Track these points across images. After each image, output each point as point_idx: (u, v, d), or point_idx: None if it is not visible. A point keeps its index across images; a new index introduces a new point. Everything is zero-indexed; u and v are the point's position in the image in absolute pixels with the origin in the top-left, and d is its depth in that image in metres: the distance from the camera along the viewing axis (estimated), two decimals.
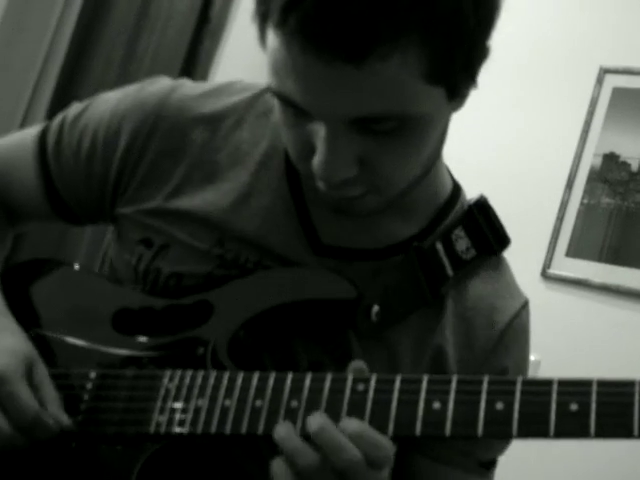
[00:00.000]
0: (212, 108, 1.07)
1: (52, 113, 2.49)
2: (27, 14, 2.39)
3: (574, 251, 2.66)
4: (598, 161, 2.67)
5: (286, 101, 0.86)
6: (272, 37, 0.82)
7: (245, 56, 3.03)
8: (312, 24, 0.77)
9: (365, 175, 0.89)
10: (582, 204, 2.68)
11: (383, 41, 0.77)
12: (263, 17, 0.83)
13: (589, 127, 2.70)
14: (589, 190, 2.67)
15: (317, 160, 0.86)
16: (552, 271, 2.68)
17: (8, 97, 2.41)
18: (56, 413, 0.95)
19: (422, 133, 0.88)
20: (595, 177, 2.67)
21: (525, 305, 1.04)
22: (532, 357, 2.39)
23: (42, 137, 1.15)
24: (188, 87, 1.09)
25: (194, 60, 2.83)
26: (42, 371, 0.98)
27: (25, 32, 2.38)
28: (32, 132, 1.17)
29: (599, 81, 2.71)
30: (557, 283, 2.67)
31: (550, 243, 2.69)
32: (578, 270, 2.64)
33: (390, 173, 0.90)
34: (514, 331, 1.01)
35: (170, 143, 1.06)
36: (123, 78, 2.63)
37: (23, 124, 2.45)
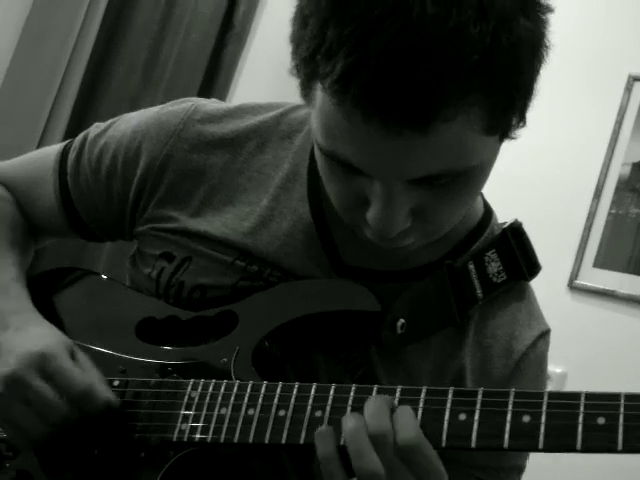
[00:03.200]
0: (234, 130, 1.06)
1: (75, 117, 2.50)
2: (51, 18, 2.40)
3: (602, 262, 2.62)
4: (627, 170, 2.63)
5: (337, 160, 0.84)
6: (324, 101, 0.80)
7: (269, 61, 3.04)
8: (375, 94, 0.75)
9: (418, 224, 0.88)
10: (610, 214, 2.64)
11: (448, 104, 0.76)
12: (309, 77, 0.81)
13: (617, 136, 2.67)
14: (617, 200, 2.64)
15: (373, 216, 0.85)
16: (579, 282, 2.65)
17: (32, 101, 2.42)
18: (104, 389, 0.97)
19: (476, 179, 0.88)
20: (623, 187, 2.63)
21: (543, 335, 1.03)
22: (558, 369, 2.37)
23: (63, 155, 1.16)
24: (210, 108, 1.09)
25: (218, 65, 2.83)
26: (84, 356, 1.00)
27: (49, 37, 2.40)
28: (55, 149, 1.18)
29: (628, 89, 2.68)
30: (584, 294, 2.64)
31: (577, 254, 2.66)
32: (605, 281, 2.60)
33: (444, 220, 0.90)
34: (529, 361, 1.01)
35: (190, 165, 1.06)
36: (146, 83, 2.64)
37: (46, 128, 2.46)
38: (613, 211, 2.64)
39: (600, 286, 2.61)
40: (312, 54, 0.78)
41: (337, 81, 0.76)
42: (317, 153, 0.89)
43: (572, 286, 2.66)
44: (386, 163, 0.81)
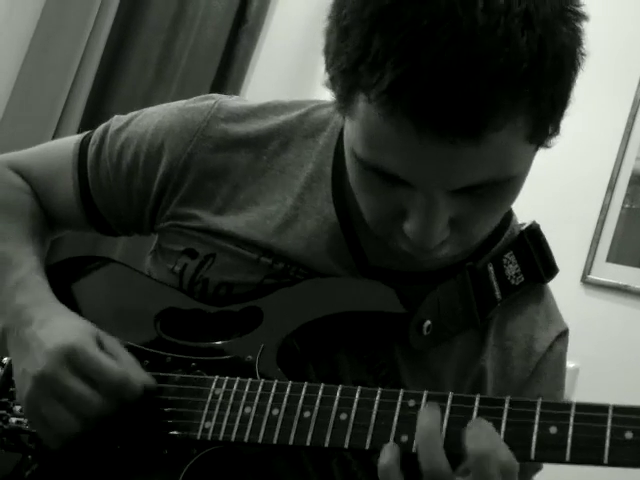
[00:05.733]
0: (257, 129, 1.06)
1: (89, 112, 2.51)
2: (64, 15, 2.40)
3: (615, 256, 2.61)
4: None
5: (379, 172, 0.84)
6: (369, 112, 0.80)
7: (282, 56, 3.04)
8: (428, 104, 0.75)
9: (455, 234, 0.88)
10: (623, 208, 2.63)
11: (498, 113, 0.76)
12: (350, 88, 0.80)
13: (631, 129, 2.65)
14: (631, 194, 2.62)
15: (412, 227, 0.85)
16: (592, 277, 2.64)
17: (46, 97, 2.43)
18: (139, 373, 0.96)
19: (514, 188, 0.88)
20: (637, 180, 2.62)
21: (561, 335, 1.04)
22: (571, 364, 2.35)
23: (82, 147, 1.15)
24: (234, 106, 1.08)
25: (231, 60, 2.83)
26: (112, 341, 0.99)
27: (62, 32, 2.40)
28: (73, 140, 1.17)
29: None
30: (597, 289, 2.63)
31: (590, 248, 2.65)
32: (619, 276, 2.59)
33: (479, 230, 0.91)
34: (548, 362, 1.01)
35: (214, 164, 1.05)
36: (159, 78, 2.65)
37: (60, 124, 2.47)
38: (627, 205, 2.63)
39: (613, 281, 2.59)
40: (354, 65, 0.77)
41: (386, 91, 0.75)
42: (352, 164, 0.88)
43: (585, 281, 2.65)
44: (434, 173, 0.80)
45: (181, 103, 1.11)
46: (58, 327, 0.98)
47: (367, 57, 0.76)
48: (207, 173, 1.05)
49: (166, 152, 1.06)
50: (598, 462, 0.76)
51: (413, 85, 0.74)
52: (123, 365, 0.95)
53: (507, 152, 0.80)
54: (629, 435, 0.75)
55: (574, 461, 0.77)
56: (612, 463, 0.76)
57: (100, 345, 0.97)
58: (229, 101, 1.09)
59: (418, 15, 0.73)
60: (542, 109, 0.79)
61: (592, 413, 0.78)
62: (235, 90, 2.82)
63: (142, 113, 1.13)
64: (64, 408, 0.93)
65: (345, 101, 0.83)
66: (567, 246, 2.54)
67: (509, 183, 0.85)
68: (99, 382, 0.93)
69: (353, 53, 0.77)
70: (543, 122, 0.81)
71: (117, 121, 1.14)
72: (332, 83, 0.83)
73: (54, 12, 2.41)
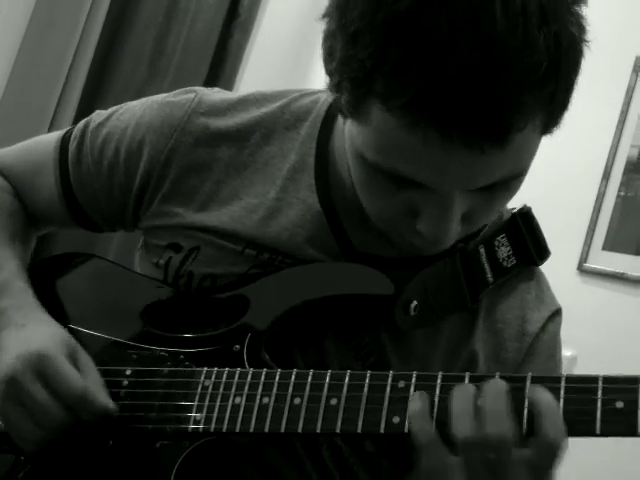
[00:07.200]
0: (238, 122, 1.05)
1: (82, 108, 2.51)
2: (56, 9, 2.40)
3: (611, 244, 2.61)
4: (635, 152, 2.62)
5: (389, 174, 0.83)
6: (386, 120, 0.79)
7: (275, 50, 3.04)
8: (455, 113, 0.74)
9: (464, 227, 0.89)
10: (619, 196, 2.63)
11: (522, 115, 0.77)
12: (363, 96, 0.79)
13: (625, 117, 2.65)
14: (626, 182, 2.63)
15: (427, 226, 0.86)
16: (588, 265, 2.64)
17: (40, 92, 2.43)
18: (101, 394, 0.95)
19: (521, 180, 0.88)
20: (632, 168, 2.62)
21: (553, 315, 1.04)
22: (568, 352, 2.35)
23: (63, 143, 1.14)
24: (214, 99, 1.08)
25: (224, 54, 2.83)
26: (85, 356, 0.99)
27: (55, 27, 2.40)
28: (54, 136, 1.17)
29: (635, 71, 2.66)
30: (594, 277, 2.63)
31: (586, 236, 2.65)
32: (615, 264, 2.59)
33: (484, 221, 0.92)
34: (542, 342, 1.01)
35: (195, 159, 1.05)
36: (152, 73, 2.65)
37: (54, 119, 2.47)
38: (622, 193, 2.63)
39: (610, 269, 2.60)
40: (368, 74, 0.76)
41: (410, 102, 0.75)
42: (357, 166, 0.88)
43: (582, 269, 2.65)
44: (457, 178, 0.81)
45: (161, 97, 1.11)
46: (33, 333, 0.98)
47: (383, 66, 0.75)
48: (189, 168, 1.05)
49: (147, 147, 1.06)
50: (591, 433, 0.77)
51: (440, 94, 0.73)
52: (88, 381, 0.95)
53: (526, 148, 0.82)
54: (620, 404, 0.76)
55: (567, 433, 0.78)
56: (604, 433, 0.76)
57: (72, 358, 0.97)
58: (209, 94, 1.08)
59: (437, 21, 0.73)
60: (558, 103, 0.80)
61: (582, 384, 0.79)
62: (228, 84, 2.82)
63: (123, 107, 1.13)
64: (25, 414, 0.94)
65: (355, 108, 0.82)
66: (563, 235, 2.54)
67: (520, 176, 0.86)
68: (60, 392, 0.93)
69: (367, 61, 0.76)
70: (557, 114, 0.82)
71: (98, 116, 1.14)
72: (338, 88, 0.82)
73: (47, 6, 2.41)
